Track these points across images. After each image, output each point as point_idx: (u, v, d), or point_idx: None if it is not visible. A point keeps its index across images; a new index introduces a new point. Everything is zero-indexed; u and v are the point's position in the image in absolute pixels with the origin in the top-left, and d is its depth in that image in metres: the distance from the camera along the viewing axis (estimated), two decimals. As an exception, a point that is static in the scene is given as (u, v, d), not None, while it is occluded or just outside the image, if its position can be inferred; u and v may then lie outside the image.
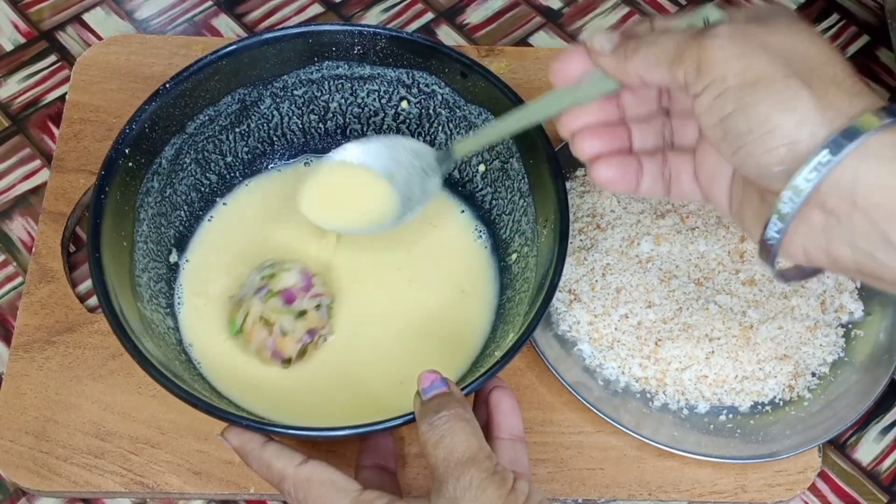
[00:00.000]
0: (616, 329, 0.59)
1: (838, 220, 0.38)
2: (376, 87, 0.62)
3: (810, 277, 0.43)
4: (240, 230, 0.62)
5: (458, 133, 0.62)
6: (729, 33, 0.39)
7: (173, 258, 0.60)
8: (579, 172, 0.65)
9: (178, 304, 0.59)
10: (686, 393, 0.58)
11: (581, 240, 0.62)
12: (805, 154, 0.37)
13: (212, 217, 0.62)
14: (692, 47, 0.39)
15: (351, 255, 0.61)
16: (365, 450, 0.53)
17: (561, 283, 0.55)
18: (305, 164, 0.65)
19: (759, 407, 0.58)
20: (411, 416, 0.47)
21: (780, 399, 0.59)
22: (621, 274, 0.60)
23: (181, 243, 0.61)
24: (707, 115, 0.40)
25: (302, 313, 0.55)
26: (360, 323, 0.59)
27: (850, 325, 0.61)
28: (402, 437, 0.57)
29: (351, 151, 0.58)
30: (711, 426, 0.57)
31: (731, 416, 0.58)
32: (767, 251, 0.40)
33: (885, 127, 0.36)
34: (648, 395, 0.58)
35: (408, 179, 0.57)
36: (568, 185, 0.63)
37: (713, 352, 0.58)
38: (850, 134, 0.36)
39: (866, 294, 0.62)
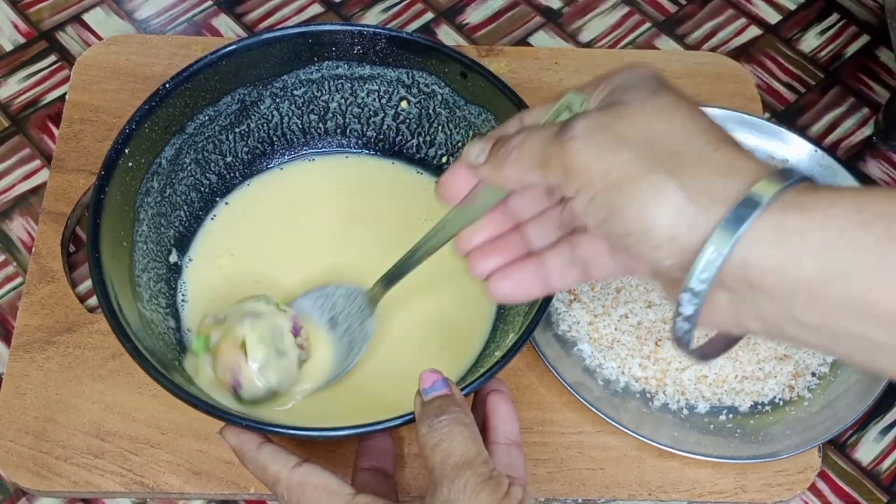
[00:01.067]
0: (616, 329, 0.59)
1: (742, 299, 0.36)
2: (376, 87, 0.62)
3: (730, 348, 0.42)
4: (242, 230, 0.62)
5: (458, 133, 0.62)
6: (585, 132, 0.38)
7: (173, 258, 0.60)
8: None
9: (182, 303, 0.59)
10: (686, 393, 0.58)
11: None
12: (690, 246, 0.36)
13: (214, 216, 0.62)
14: (555, 153, 0.39)
15: (350, 254, 0.61)
16: (363, 452, 0.53)
17: None
18: (310, 160, 0.65)
19: (759, 407, 0.58)
20: (411, 416, 0.47)
21: (779, 399, 0.59)
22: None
23: (181, 243, 0.61)
24: (586, 218, 0.39)
25: (282, 353, 0.53)
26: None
27: None
28: (402, 436, 0.57)
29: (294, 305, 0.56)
30: (711, 426, 0.57)
31: (731, 416, 0.58)
32: (679, 344, 0.39)
33: (767, 205, 0.34)
34: (648, 395, 0.58)
35: (348, 325, 0.56)
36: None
37: None
38: (731, 224, 0.35)
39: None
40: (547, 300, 0.51)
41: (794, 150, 0.66)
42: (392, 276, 0.53)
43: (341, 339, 0.56)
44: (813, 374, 0.59)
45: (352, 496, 0.46)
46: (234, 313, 0.53)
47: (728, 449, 0.56)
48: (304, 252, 0.61)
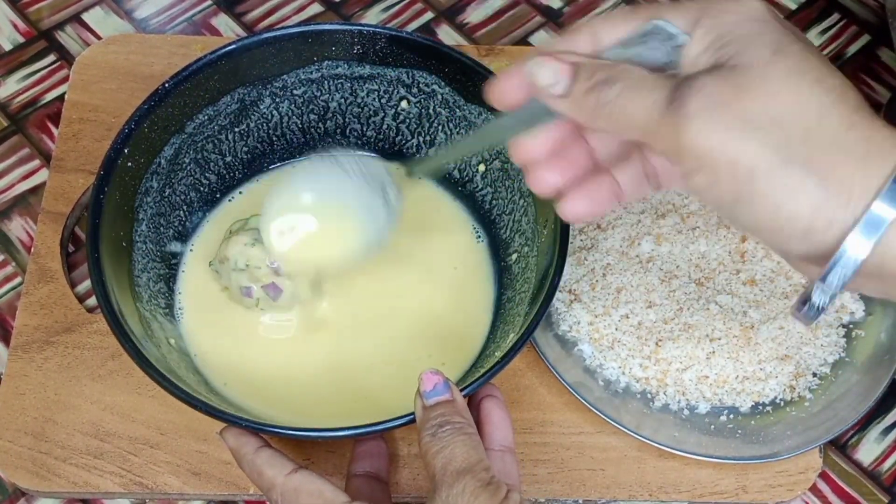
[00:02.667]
0: (616, 329, 0.59)
1: (872, 280, 0.35)
2: (376, 87, 0.62)
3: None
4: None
5: (457, 133, 0.62)
6: (704, 110, 0.34)
7: (175, 259, 0.60)
8: None
9: (179, 307, 0.59)
10: (687, 393, 0.58)
11: (581, 240, 0.62)
12: (826, 241, 0.34)
13: (212, 219, 0.62)
14: (667, 128, 0.34)
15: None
16: (356, 457, 0.53)
17: (561, 283, 0.55)
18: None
19: (760, 407, 0.58)
20: (411, 416, 0.47)
21: (780, 399, 0.59)
22: (622, 274, 0.60)
23: (182, 241, 0.61)
24: (704, 197, 0.36)
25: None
26: (360, 323, 0.59)
27: (850, 326, 0.61)
28: (402, 437, 0.57)
29: (303, 190, 0.54)
30: (712, 426, 0.57)
31: (731, 416, 0.58)
32: (798, 318, 0.37)
33: None
34: (649, 396, 0.58)
35: (369, 202, 0.53)
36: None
37: (714, 352, 0.58)
38: (872, 224, 0.33)
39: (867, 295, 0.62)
40: (547, 300, 0.51)
41: None
42: (423, 166, 0.50)
43: (366, 217, 0.53)
44: (814, 375, 0.59)
45: (346, 503, 0.45)
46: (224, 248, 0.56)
47: (729, 449, 0.56)
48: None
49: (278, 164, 0.64)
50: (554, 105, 0.38)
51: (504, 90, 0.41)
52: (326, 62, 0.61)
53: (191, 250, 0.61)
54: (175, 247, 0.60)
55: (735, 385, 0.58)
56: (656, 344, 0.58)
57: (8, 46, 0.74)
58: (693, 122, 0.34)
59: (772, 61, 0.34)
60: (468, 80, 0.59)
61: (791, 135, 0.34)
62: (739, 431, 0.57)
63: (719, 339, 0.58)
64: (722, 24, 0.36)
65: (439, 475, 0.43)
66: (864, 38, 0.79)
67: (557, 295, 0.59)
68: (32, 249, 0.62)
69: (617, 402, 0.57)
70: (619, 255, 0.61)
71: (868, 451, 0.61)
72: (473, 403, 0.50)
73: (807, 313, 0.36)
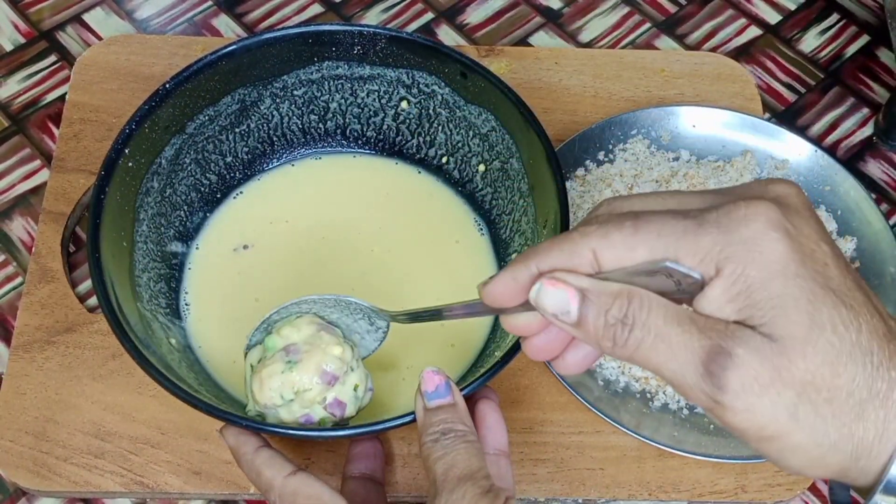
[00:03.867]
0: None
1: None
2: (376, 88, 0.62)
3: None
4: (245, 230, 0.62)
5: (457, 133, 0.62)
6: (747, 391, 0.33)
7: (175, 259, 0.60)
8: (579, 172, 0.65)
9: (185, 303, 0.59)
10: None
11: None
12: (855, 481, 0.35)
13: (215, 218, 0.62)
14: (704, 395, 0.34)
15: (349, 254, 0.61)
16: (352, 459, 0.53)
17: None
18: (317, 158, 0.65)
19: None
20: (411, 417, 0.47)
21: None
22: None
23: (183, 240, 0.61)
24: (744, 437, 0.35)
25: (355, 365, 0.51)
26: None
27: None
28: (402, 436, 0.57)
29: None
30: (711, 426, 0.57)
31: None
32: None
33: None
34: (648, 395, 0.58)
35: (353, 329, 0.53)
36: (568, 184, 0.63)
37: None
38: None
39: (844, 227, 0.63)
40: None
41: (794, 150, 0.66)
42: (417, 317, 0.49)
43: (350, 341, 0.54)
44: None
45: None
46: (273, 347, 0.50)
47: (728, 449, 0.56)
48: (309, 249, 0.61)
49: (278, 164, 0.65)
50: (568, 332, 0.37)
51: (498, 296, 0.38)
52: (327, 63, 0.61)
53: (197, 248, 0.61)
54: (176, 247, 0.60)
55: None
56: None
57: (9, 47, 0.74)
58: (737, 402, 0.33)
59: (809, 338, 0.33)
60: (468, 80, 0.59)
61: (833, 399, 0.33)
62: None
63: None
64: (749, 277, 0.34)
65: (440, 481, 0.43)
66: (864, 39, 0.79)
67: None
68: (33, 249, 0.62)
69: (616, 401, 0.57)
70: None
71: (867, 450, 0.61)
72: (468, 405, 0.50)
73: None
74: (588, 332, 0.36)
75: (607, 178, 0.65)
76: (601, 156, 0.66)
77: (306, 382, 0.48)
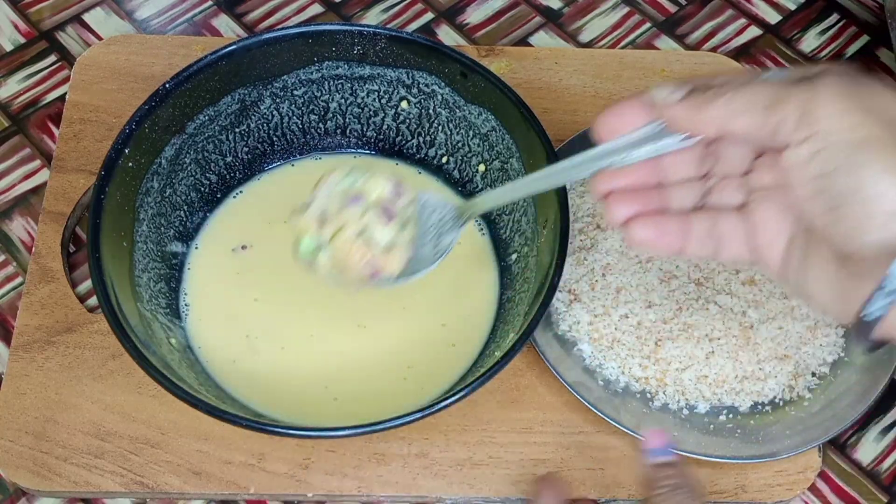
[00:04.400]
0: (616, 329, 0.59)
1: None
2: (376, 87, 0.62)
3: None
4: (245, 230, 0.62)
5: (457, 133, 0.62)
6: (839, 86, 0.36)
7: (175, 259, 0.60)
8: None
9: (185, 304, 0.59)
10: (686, 393, 0.58)
11: (581, 240, 0.62)
12: None
13: (215, 218, 0.62)
14: (797, 93, 0.37)
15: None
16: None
17: (561, 283, 0.55)
18: (317, 158, 0.65)
19: (759, 407, 0.58)
20: (413, 416, 0.47)
21: (780, 399, 0.59)
22: (621, 274, 0.60)
23: (183, 240, 0.61)
24: (802, 169, 0.37)
25: (404, 225, 0.50)
26: (361, 323, 0.59)
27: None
28: (402, 436, 0.57)
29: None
30: (711, 426, 0.57)
31: (731, 416, 0.58)
32: (867, 328, 0.37)
33: None
34: (648, 395, 0.58)
35: (421, 236, 0.52)
36: (567, 184, 0.63)
37: (713, 352, 0.58)
38: None
39: None
40: (547, 300, 0.51)
41: None
42: (493, 198, 0.50)
43: (413, 244, 0.52)
44: (813, 374, 0.59)
45: None
46: (327, 200, 0.50)
47: (728, 449, 0.56)
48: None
49: (278, 163, 0.65)
50: (670, 112, 0.40)
51: (613, 119, 0.42)
52: (327, 63, 0.61)
53: (196, 248, 0.61)
54: (176, 247, 0.60)
55: (734, 385, 0.58)
56: (656, 343, 0.58)
57: (9, 47, 0.74)
58: (829, 90, 0.36)
59: (883, 84, 0.37)
60: (468, 80, 0.59)
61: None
62: (738, 431, 0.57)
63: (718, 338, 0.58)
64: (829, 141, 0.37)
65: None
66: (864, 39, 0.79)
67: (557, 295, 0.59)
68: (33, 249, 0.62)
69: (616, 401, 0.57)
70: (619, 256, 0.61)
71: (867, 450, 0.61)
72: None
73: (871, 312, 0.37)
74: (690, 104, 0.40)
75: None
76: None
77: (377, 185, 0.49)
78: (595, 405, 0.56)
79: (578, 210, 0.63)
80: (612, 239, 0.61)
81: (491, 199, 0.50)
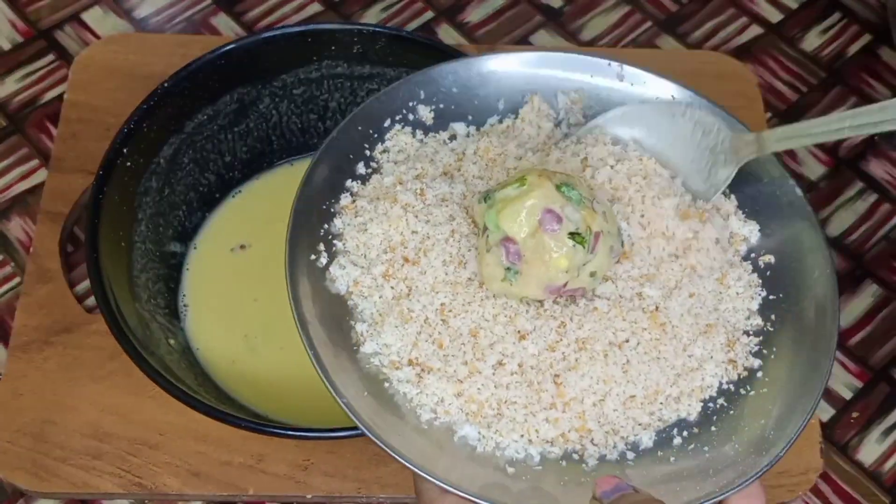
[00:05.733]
0: (496, 387, 0.43)
1: None
2: (376, 87, 0.62)
3: None
4: (244, 230, 0.62)
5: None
6: None
7: (174, 259, 0.60)
8: (344, 201, 0.48)
9: (183, 304, 0.59)
10: (619, 431, 0.43)
11: (393, 288, 0.45)
12: None
13: (213, 218, 0.62)
14: None
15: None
16: None
17: (397, 359, 0.43)
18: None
19: (711, 405, 0.44)
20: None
21: (728, 383, 0.45)
22: (467, 310, 0.44)
23: (182, 240, 0.61)
24: None
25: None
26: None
27: (752, 255, 0.48)
28: (402, 438, 0.57)
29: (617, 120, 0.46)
30: (672, 459, 0.43)
31: (685, 433, 0.44)
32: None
33: None
34: (576, 456, 0.43)
35: (693, 164, 0.45)
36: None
37: (628, 361, 0.44)
38: None
39: (750, 209, 0.49)
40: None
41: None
42: (792, 136, 0.43)
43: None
44: (747, 334, 0.46)
45: None
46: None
47: (712, 483, 0.41)
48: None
49: (277, 163, 0.64)
50: None
51: None
52: (326, 61, 0.61)
53: (194, 248, 0.61)
54: (174, 247, 0.60)
55: (669, 391, 0.44)
56: (555, 384, 0.43)
57: (7, 46, 0.74)
58: None
59: None
60: (468, 79, 0.59)
61: None
62: (707, 449, 0.43)
63: (627, 340, 0.44)
64: None
65: None
66: (866, 38, 0.78)
67: (400, 378, 0.43)
68: (31, 249, 0.62)
69: (545, 484, 0.41)
70: (450, 286, 0.45)
71: (869, 451, 0.61)
72: None
73: None
74: None
75: (387, 194, 0.47)
76: (361, 169, 0.49)
77: (529, 294, 0.43)
78: None
79: (368, 248, 0.47)
80: (433, 269, 0.45)
81: (787, 135, 0.43)
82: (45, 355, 0.58)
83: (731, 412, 0.44)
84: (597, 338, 0.44)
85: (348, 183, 0.48)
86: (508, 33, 0.77)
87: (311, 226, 0.46)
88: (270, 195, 0.63)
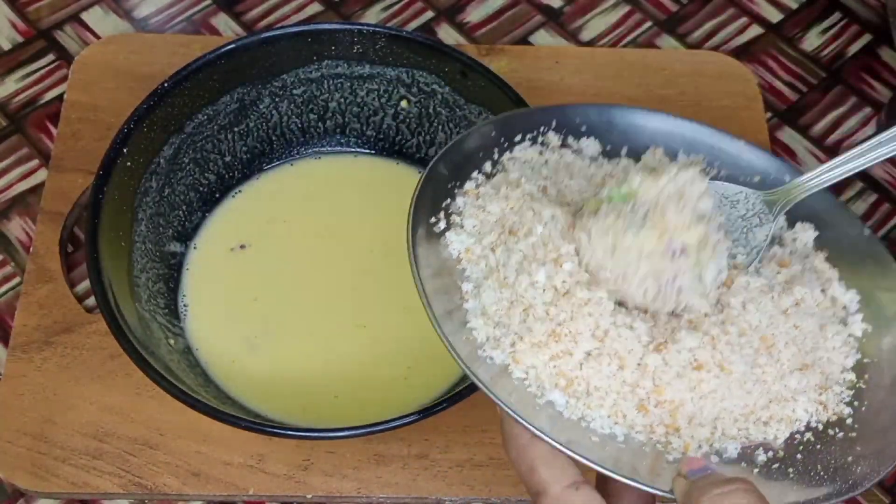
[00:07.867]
0: (584, 369, 0.43)
1: None
2: (376, 87, 0.62)
3: None
4: (244, 230, 0.62)
5: (458, 132, 0.62)
6: None
7: (174, 259, 0.60)
8: (468, 186, 0.49)
9: (184, 304, 0.59)
10: (707, 435, 0.43)
11: (497, 257, 0.45)
12: None
13: (214, 218, 0.62)
14: None
15: (348, 254, 0.61)
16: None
17: (487, 313, 0.44)
18: (316, 157, 0.65)
19: (798, 437, 0.44)
20: (413, 417, 0.47)
21: (816, 422, 0.45)
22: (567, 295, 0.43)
23: (182, 240, 0.61)
24: None
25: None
26: (362, 322, 0.59)
27: (849, 320, 0.49)
28: (402, 437, 0.57)
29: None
30: (755, 471, 0.43)
31: (769, 454, 0.44)
32: None
33: None
34: (660, 447, 0.43)
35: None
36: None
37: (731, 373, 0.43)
38: None
39: (853, 278, 0.49)
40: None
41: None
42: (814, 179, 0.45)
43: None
44: (838, 384, 0.47)
45: None
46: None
47: (796, 492, 0.42)
48: (308, 249, 0.61)
49: (277, 163, 0.64)
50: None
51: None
52: (326, 61, 0.61)
53: (194, 248, 0.61)
54: (175, 247, 0.60)
55: (761, 413, 0.44)
56: (653, 382, 0.43)
57: (7, 46, 0.74)
58: None
59: None
60: (468, 79, 0.59)
61: None
62: (791, 471, 0.43)
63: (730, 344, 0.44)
64: None
65: None
66: (866, 38, 0.78)
67: (487, 332, 0.44)
68: (31, 249, 0.62)
69: (627, 459, 0.42)
70: (552, 264, 0.44)
71: (869, 451, 0.61)
72: None
73: None
74: None
75: (510, 183, 0.48)
76: (488, 168, 0.49)
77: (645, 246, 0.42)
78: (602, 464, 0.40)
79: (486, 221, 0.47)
80: (536, 245, 0.44)
81: (811, 183, 0.45)
82: (45, 355, 0.58)
83: (818, 447, 0.44)
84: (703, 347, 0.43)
85: (474, 174, 0.49)
86: (508, 33, 0.77)
87: (436, 195, 0.48)
88: (270, 195, 0.63)
